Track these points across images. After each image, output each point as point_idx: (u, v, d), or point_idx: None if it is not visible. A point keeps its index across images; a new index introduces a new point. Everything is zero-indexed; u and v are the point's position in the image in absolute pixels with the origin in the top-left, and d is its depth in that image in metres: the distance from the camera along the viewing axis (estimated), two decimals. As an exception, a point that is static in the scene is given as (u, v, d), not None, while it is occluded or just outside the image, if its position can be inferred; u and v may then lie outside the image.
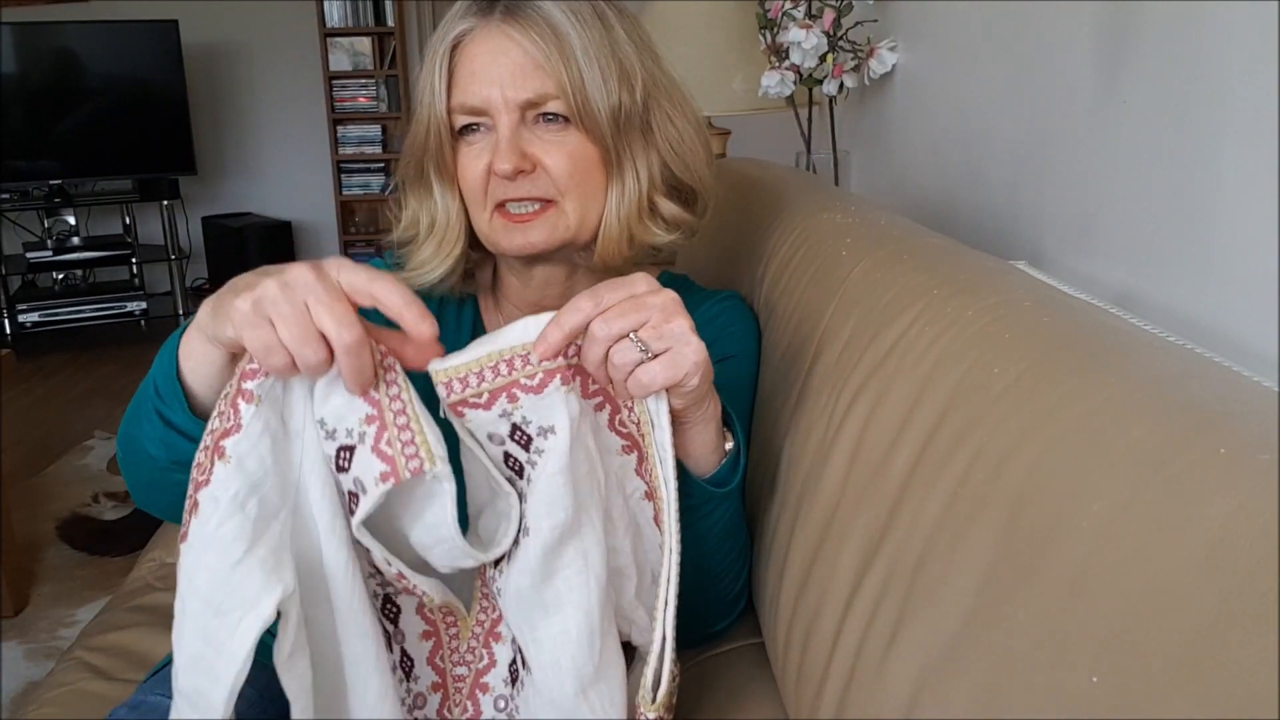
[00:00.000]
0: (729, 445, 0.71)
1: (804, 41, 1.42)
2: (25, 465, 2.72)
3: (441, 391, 0.59)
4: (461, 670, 0.67)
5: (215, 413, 0.57)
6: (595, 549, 0.61)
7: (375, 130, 4.62)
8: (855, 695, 0.59)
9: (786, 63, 1.49)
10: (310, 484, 0.57)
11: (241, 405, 0.55)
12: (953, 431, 0.56)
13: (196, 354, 0.61)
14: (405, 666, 0.65)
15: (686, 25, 1.70)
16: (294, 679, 0.56)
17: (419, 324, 0.55)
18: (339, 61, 4.51)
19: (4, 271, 4.09)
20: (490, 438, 0.61)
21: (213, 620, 0.53)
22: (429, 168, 0.80)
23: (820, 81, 1.49)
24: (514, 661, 0.66)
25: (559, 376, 0.59)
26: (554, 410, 0.60)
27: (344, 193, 4.67)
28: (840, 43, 1.45)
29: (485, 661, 0.67)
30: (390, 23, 4.50)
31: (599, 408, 0.63)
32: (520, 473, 0.62)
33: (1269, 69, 0.67)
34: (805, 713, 0.67)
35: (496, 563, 0.64)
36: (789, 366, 0.83)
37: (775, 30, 1.51)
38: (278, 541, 0.55)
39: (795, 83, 1.50)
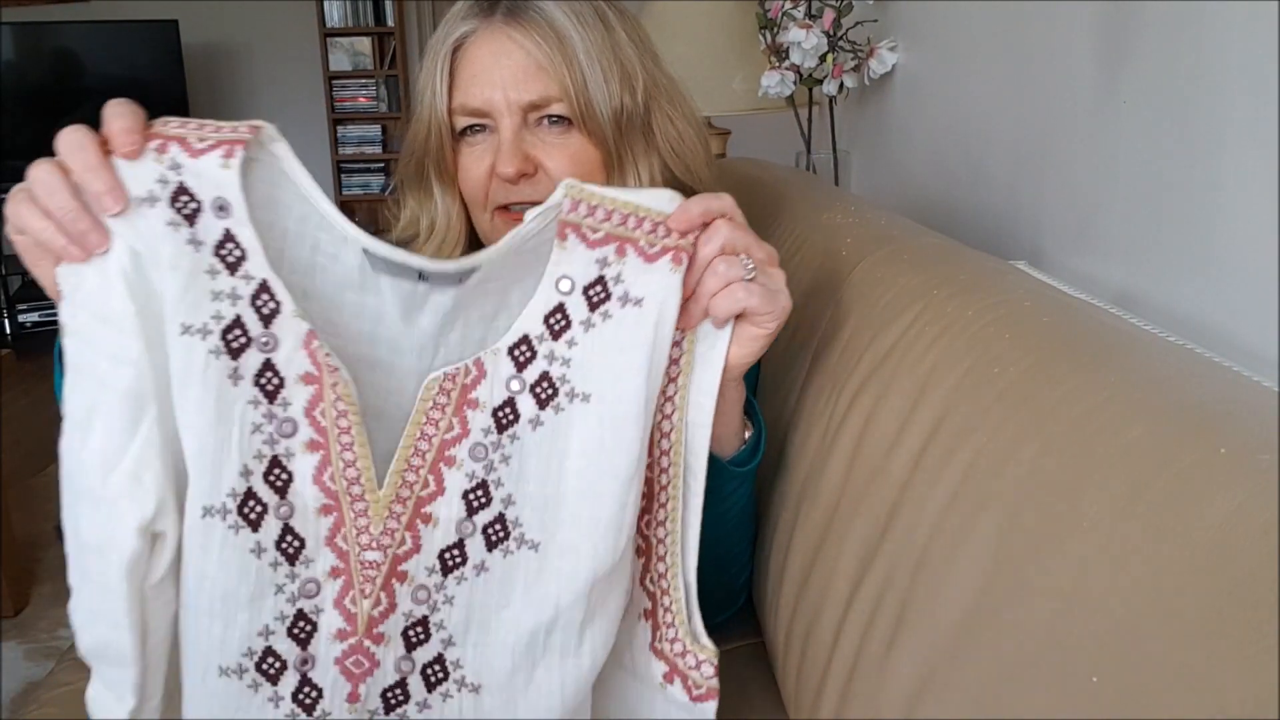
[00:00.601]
0: (748, 433, 0.72)
1: (804, 41, 1.42)
2: (25, 465, 2.72)
3: (565, 205, 0.57)
4: (373, 555, 0.59)
5: None
6: (645, 448, 0.59)
7: (375, 130, 4.62)
8: (855, 695, 0.59)
9: (786, 63, 1.49)
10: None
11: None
12: (953, 431, 0.56)
13: None
14: (289, 549, 0.58)
15: (686, 25, 1.70)
16: (162, 605, 0.55)
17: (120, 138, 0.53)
18: (339, 61, 4.51)
19: (4, 271, 4.09)
20: (557, 284, 0.58)
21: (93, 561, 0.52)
22: (429, 169, 0.80)
23: (820, 81, 1.49)
24: (454, 548, 0.61)
25: (672, 255, 0.58)
26: (652, 285, 0.58)
27: (344, 193, 4.67)
28: (840, 43, 1.45)
29: (408, 546, 0.60)
30: (390, 23, 4.50)
31: None
32: (557, 334, 0.59)
33: (1269, 69, 0.67)
34: (805, 713, 0.67)
35: (503, 428, 0.60)
36: (789, 366, 0.83)
37: (775, 30, 1.51)
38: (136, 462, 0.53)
39: (795, 83, 1.50)
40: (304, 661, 0.60)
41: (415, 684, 0.62)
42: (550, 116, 0.75)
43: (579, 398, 0.59)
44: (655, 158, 0.79)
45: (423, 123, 0.78)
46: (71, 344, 0.54)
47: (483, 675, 0.63)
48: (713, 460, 0.69)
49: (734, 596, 0.84)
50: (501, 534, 0.61)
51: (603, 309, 0.59)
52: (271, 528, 0.57)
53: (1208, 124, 0.75)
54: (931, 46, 1.35)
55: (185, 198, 0.54)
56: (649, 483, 0.63)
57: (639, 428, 0.58)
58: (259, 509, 0.57)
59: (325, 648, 0.60)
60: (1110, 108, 0.89)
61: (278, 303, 0.55)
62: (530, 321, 0.59)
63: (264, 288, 0.55)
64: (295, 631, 0.59)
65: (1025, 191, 1.08)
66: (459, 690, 0.63)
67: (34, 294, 4.10)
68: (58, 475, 0.56)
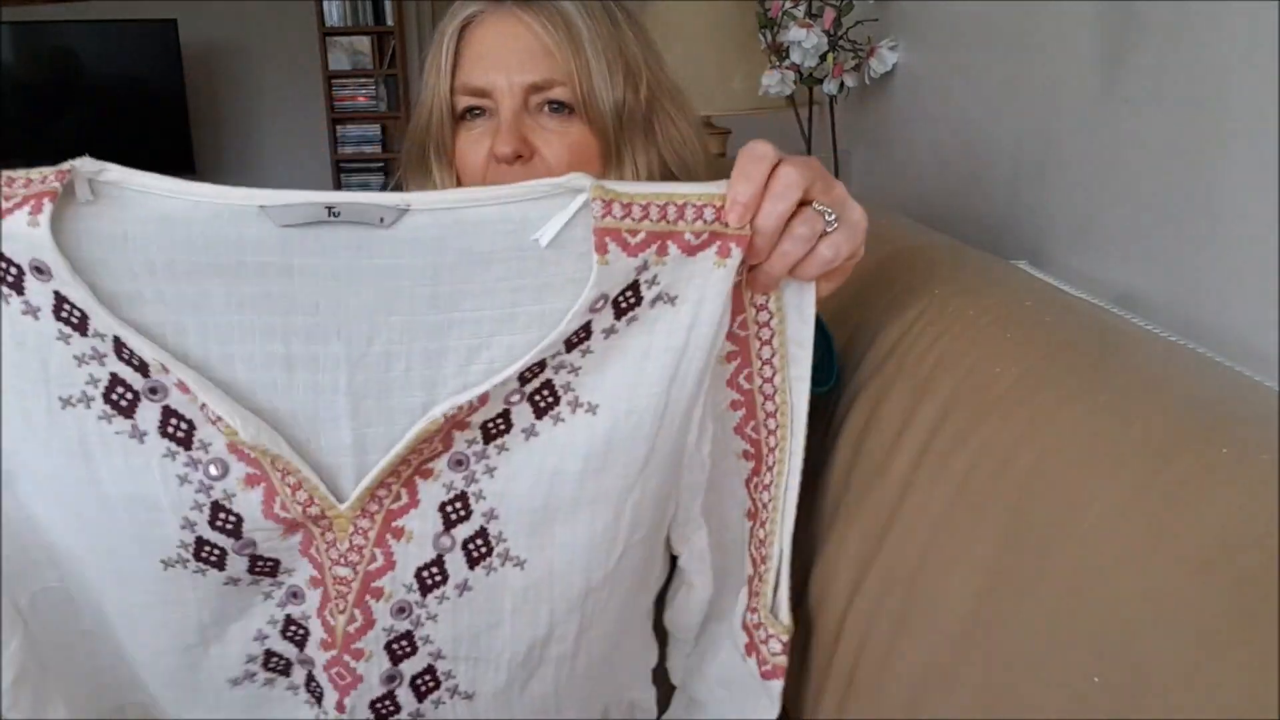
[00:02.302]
0: None
1: (804, 40, 1.42)
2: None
3: (596, 210, 0.49)
4: (343, 570, 0.56)
5: None
6: (664, 458, 0.55)
7: (375, 130, 4.62)
8: (856, 695, 0.59)
9: (786, 62, 1.49)
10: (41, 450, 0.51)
11: None
12: (954, 431, 0.56)
13: None
14: (264, 568, 0.56)
15: (686, 25, 1.70)
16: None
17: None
18: (338, 61, 4.50)
19: None
20: (592, 305, 0.51)
21: None
22: (429, 150, 0.80)
23: (820, 81, 1.49)
24: (431, 565, 0.57)
25: (719, 246, 0.51)
26: (694, 282, 0.52)
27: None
28: (840, 42, 1.45)
29: (379, 563, 0.56)
30: (389, 22, 4.49)
31: None
32: (572, 346, 0.53)
33: (1269, 69, 0.67)
34: (807, 713, 0.67)
35: (490, 437, 0.55)
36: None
37: (775, 29, 1.51)
38: None
39: (795, 82, 1.50)
40: (304, 661, 0.60)
41: (405, 695, 0.61)
42: (552, 103, 0.75)
43: (584, 408, 0.54)
44: (654, 153, 0.79)
45: (425, 104, 0.79)
46: None
47: (476, 685, 0.61)
48: None
49: None
50: (484, 550, 0.57)
51: (630, 314, 0.53)
52: (238, 563, 0.55)
53: (1209, 123, 0.75)
54: (932, 46, 1.35)
55: (4, 264, 0.48)
56: (756, 444, 0.59)
57: (647, 442, 0.54)
58: (217, 552, 0.54)
59: (316, 654, 0.59)
60: (1111, 107, 0.89)
61: (140, 358, 0.50)
62: (552, 347, 0.52)
63: (121, 343, 0.49)
64: (289, 635, 0.59)
65: (1026, 191, 1.08)
66: (451, 698, 0.62)
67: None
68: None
